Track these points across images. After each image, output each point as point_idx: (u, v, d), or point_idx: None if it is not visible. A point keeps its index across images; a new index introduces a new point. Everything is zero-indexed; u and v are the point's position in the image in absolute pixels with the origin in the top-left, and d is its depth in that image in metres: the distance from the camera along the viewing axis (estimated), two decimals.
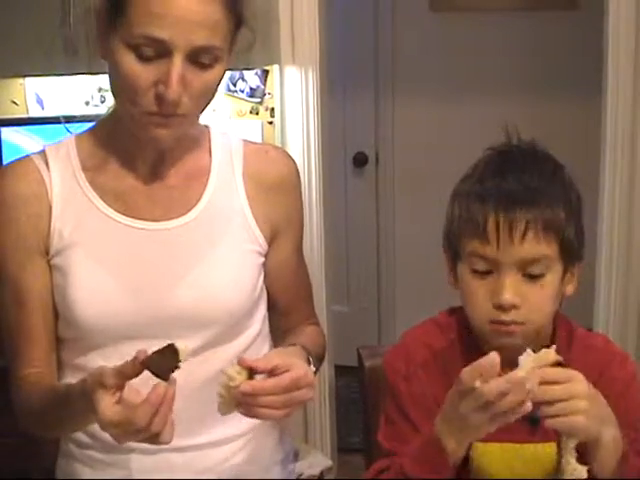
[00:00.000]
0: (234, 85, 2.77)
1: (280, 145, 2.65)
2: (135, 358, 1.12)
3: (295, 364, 1.23)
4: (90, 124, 1.43)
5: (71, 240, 1.34)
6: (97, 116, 1.43)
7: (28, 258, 1.35)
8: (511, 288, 1.23)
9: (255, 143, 1.52)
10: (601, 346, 1.37)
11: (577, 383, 1.14)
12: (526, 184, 1.25)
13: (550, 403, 1.12)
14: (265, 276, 1.45)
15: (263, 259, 1.43)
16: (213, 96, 1.31)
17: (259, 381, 1.20)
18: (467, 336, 1.33)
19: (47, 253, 1.35)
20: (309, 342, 1.39)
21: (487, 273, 1.25)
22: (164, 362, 1.12)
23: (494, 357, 1.11)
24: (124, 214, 1.36)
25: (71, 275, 1.33)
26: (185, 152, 1.40)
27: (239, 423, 1.38)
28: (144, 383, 1.12)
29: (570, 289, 1.31)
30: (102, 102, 2.74)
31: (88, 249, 1.34)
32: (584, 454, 1.18)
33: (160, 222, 1.36)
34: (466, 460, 1.25)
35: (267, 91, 2.77)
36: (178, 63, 1.22)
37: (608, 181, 2.57)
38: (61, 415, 1.29)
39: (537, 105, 3.54)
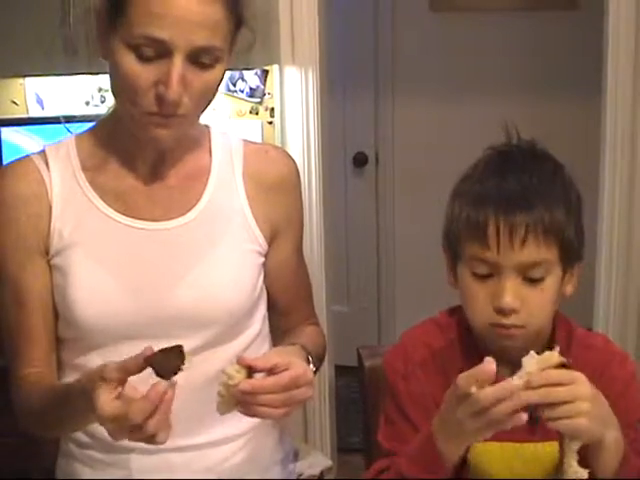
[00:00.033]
0: (234, 85, 2.77)
1: (280, 145, 2.65)
2: (140, 354, 1.12)
3: (294, 363, 1.22)
4: (90, 124, 1.43)
5: (71, 240, 1.34)
6: (97, 116, 1.44)
7: (28, 258, 1.35)
8: (511, 292, 1.22)
9: (255, 143, 1.52)
10: (601, 346, 1.36)
11: (581, 385, 1.13)
12: (526, 186, 1.25)
13: (554, 405, 1.11)
14: (265, 276, 1.45)
15: (263, 259, 1.43)
16: (213, 96, 1.31)
17: (258, 380, 1.20)
18: (466, 336, 1.33)
19: (47, 253, 1.35)
20: (309, 342, 1.39)
21: (487, 276, 1.25)
22: (168, 362, 1.12)
23: (491, 363, 1.10)
24: (124, 214, 1.36)
25: (71, 275, 1.33)
26: (185, 152, 1.40)
27: (239, 423, 1.38)
28: (144, 381, 1.12)
29: (569, 289, 1.31)
30: (102, 102, 2.74)
31: (88, 249, 1.34)
32: (586, 456, 1.17)
33: (160, 222, 1.37)
34: (466, 459, 1.25)
35: (267, 91, 2.77)
36: (178, 63, 1.22)
37: (608, 181, 2.57)
38: (61, 414, 1.29)
39: (537, 105, 3.54)
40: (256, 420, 1.32)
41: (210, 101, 1.32)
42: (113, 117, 1.37)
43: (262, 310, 1.46)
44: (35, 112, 2.78)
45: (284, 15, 2.65)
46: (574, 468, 1.16)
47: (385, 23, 3.77)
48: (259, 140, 2.60)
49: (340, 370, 3.00)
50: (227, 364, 1.23)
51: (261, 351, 1.43)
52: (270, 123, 2.78)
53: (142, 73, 1.24)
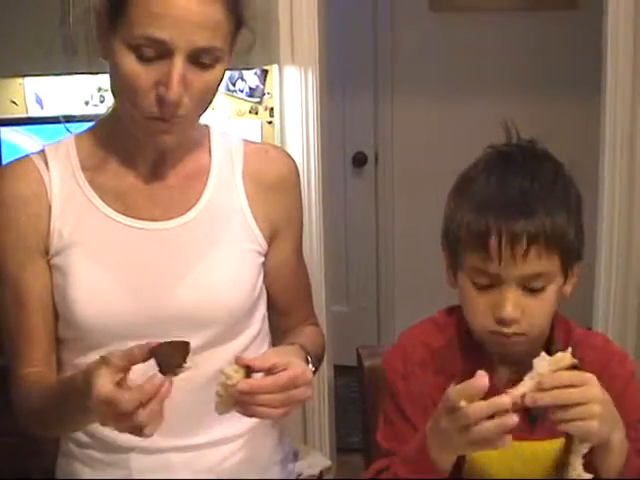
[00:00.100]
0: (233, 85, 2.77)
1: (279, 145, 2.65)
2: (146, 344, 1.12)
3: (293, 362, 1.22)
4: (90, 124, 1.43)
5: (71, 240, 1.34)
6: (97, 116, 1.44)
7: (28, 258, 1.35)
8: (512, 303, 1.22)
9: (255, 143, 1.52)
10: (600, 345, 1.36)
11: (593, 387, 1.12)
12: (527, 191, 1.23)
13: (565, 407, 1.10)
14: (265, 276, 1.45)
15: (263, 259, 1.43)
16: (214, 96, 1.31)
17: (256, 380, 1.20)
18: (465, 335, 1.32)
19: (47, 253, 1.35)
20: (308, 342, 1.39)
21: (488, 287, 1.24)
22: (172, 356, 1.12)
23: (483, 377, 1.09)
24: (124, 214, 1.36)
25: (71, 275, 1.33)
26: (185, 152, 1.40)
27: (238, 423, 1.38)
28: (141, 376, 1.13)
29: (568, 289, 1.30)
30: (102, 102, 2.74)
31: (88, 249, 1.34)
32: (590, 460, 1.16)
33: (160, 222, 1.37)
34: (465, 459, 1.25)
35: (266, 91, 2.77)
36: (179, 64, 1.22)
37: (608, 181, 2.57)
38: (61, 414, 1.29)
39: (537, 105, 3.54)
40: (255, 420, 1.32)
41: (210, 101, 1.32)
42: (113, 117, 1.37)
43: (262, 310, 1.46)
44: (34, 112, 2.78)
45: (284, 15, 2.65)
46: (577, 471, 1.16)
47: (384, 23, 3.77)
48: (259, 140, 2.60)
49: (339, 370, 3.00)
50: (227, 364, 1.23)
51: (261, 351, 1.43)
52: (269, 123, 2.78)
53: (142, 73, 1.23)
